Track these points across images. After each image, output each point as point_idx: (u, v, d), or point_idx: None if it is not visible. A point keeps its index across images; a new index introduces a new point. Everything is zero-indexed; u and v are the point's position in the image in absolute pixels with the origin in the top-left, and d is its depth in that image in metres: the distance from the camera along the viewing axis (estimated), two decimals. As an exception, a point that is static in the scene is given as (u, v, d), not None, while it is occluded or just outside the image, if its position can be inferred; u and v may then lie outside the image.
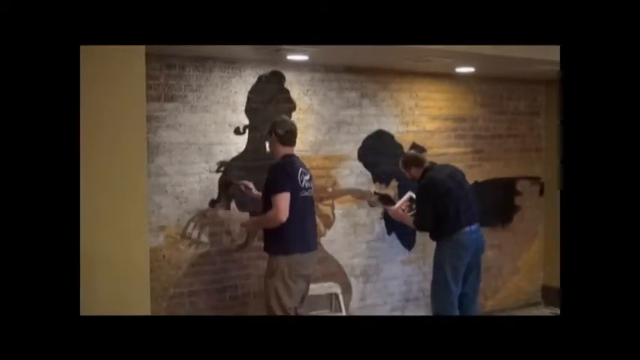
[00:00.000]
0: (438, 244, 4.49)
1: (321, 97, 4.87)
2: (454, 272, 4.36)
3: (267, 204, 3.74)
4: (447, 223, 4.33)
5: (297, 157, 3.93)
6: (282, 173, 3.72)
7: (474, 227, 4.40)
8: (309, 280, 3.92)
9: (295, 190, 3.70)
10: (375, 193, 4.95)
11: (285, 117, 4.22)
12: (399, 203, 4.74)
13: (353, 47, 3.95)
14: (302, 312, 3.92)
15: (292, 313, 3.78)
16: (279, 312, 3.72)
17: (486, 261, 5.82)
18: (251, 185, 4.23)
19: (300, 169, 3.79)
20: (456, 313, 4.41)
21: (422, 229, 4.62)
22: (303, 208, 3.76)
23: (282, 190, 3.64)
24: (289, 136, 3.85)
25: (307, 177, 3.83)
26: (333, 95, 4.94)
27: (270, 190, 3.71)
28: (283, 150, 3.85)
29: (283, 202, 3.62)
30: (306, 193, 3.79)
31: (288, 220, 3.65)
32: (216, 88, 4.41)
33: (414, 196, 4.62)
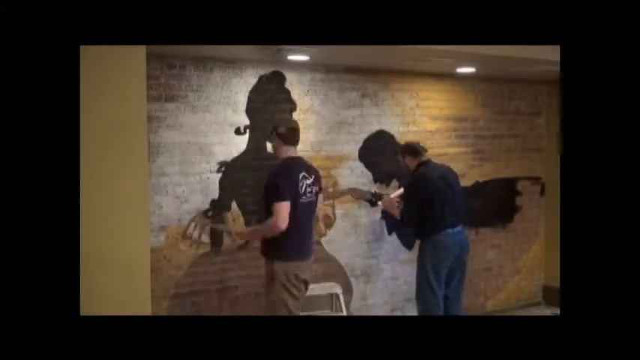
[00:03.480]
0: (420, 245, 4.49)
1: (321, 97, 4.87)
2: (435, 273, 4.34)
3: (268, 210, 3.62)
4: (430, 223, 4.33)
5: (301, 159, 3.79)
6: (283, 180, 3.56)
7: (457, 229, 4.38)
8: (306, 286, 3.81)
9: (295, 197, 3.57)
10: (376, 193, 4.95)
11: (286, 116, 4.15)
12: (394, 194, 4.78)
13: (353, 47, 3.95)
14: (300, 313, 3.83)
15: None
16: (284, 314, 3.64)
17: (487, 261, 5.85)
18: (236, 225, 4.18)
19: (302, 174, 3.64)
20: (441, 314, 4.38)
21: (405, 222, 4.59)
22: (303, 214, 3.65)
23: (283, 198, 3.51)
24: (292, 134, 3.72)
25: (309, 181, 3.69)
26: (334, 95, 4.94)
27: (270, 197, 3.58)
28: (286, 150, 3.72)
29: (284, 210, 3.50)
30: (305, 199, 3.65)
31: (287, 227, 3.54)
32: (217, 88, 4.41)
33: None
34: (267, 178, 3.70)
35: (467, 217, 4.83)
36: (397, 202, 4.69)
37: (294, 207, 3.56)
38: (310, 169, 3.79)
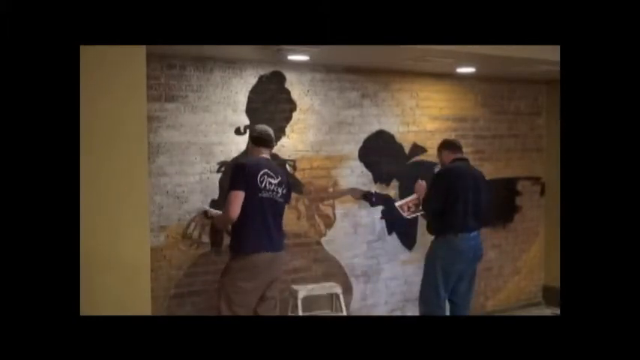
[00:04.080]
0: (433, 243, 4.40)
1: (321, 97, 4.87)
2: (445, 275, 4.28)
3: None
4: (449, 220, 4.23)
5: (268, 160, 3.85)
6: (238, 172, 3.69)
7: (473, 234, 4.30)
8: (271, 281, 3.79)
9: (252, 189, 3.64)
10: (376, 193, 4.94)
11: (263, 125, 4.08)
12: (404, 200, 4.64)
13: (353, 47, 3.95)
14: (261, 311, 3.79)
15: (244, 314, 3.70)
16: (226, 313, 3.65)
17: (487, 261, 5.84)
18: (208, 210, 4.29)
19: (264, 171, 3.70)
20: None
21: (429, 210, 4.44)
22: (261, 208, 3.68)
23: (235, 188, 3.62)
24: (261, 138, 3.85)
25: (274, 180, 3.73)
26: (334, 95, 4.94)
27: (227, 188, 3.76)
28: (257, 152, 3.84)
29: (234, 199, 3.60)
30: (266, 194, 3.69)
31: (243, 218, 3.62)
32: (217, 89, 4.42)
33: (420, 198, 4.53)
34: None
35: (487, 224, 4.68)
36: (412, 204, 4.56)
37: (250, 199, 3.63)
38: (277, 171, 3.84)
